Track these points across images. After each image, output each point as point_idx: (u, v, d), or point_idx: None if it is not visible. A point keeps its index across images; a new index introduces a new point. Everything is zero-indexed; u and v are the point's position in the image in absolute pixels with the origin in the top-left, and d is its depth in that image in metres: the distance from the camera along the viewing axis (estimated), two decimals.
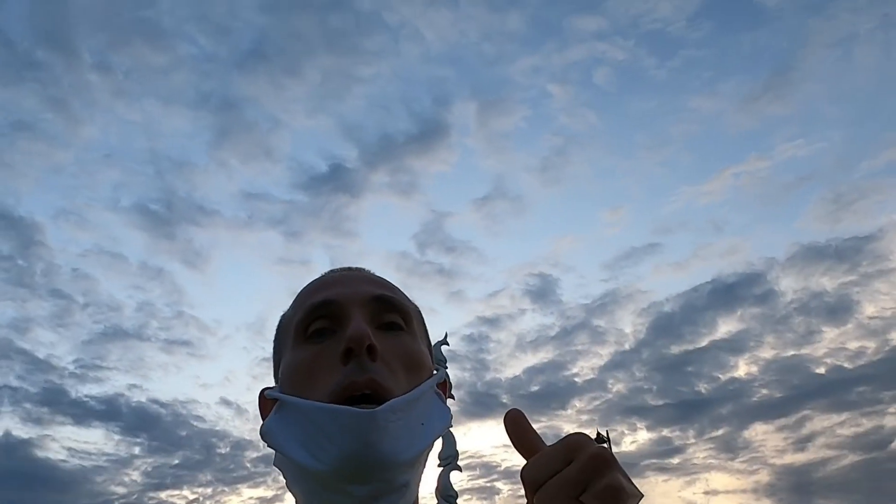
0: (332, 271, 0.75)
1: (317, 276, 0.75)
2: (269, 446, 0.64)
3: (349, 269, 0.75)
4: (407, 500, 0.63)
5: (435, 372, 0.71)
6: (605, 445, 0.53)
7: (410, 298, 0.76)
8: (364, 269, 0.76)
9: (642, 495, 0.50)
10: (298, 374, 0.65)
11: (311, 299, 0.68)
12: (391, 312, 0.69)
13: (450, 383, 0.76)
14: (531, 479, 0.49)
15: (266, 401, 0.69)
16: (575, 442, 0.49)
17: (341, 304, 0.66)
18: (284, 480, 0.66)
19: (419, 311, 0.77)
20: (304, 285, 0.74)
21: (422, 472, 0.67)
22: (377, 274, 0.76)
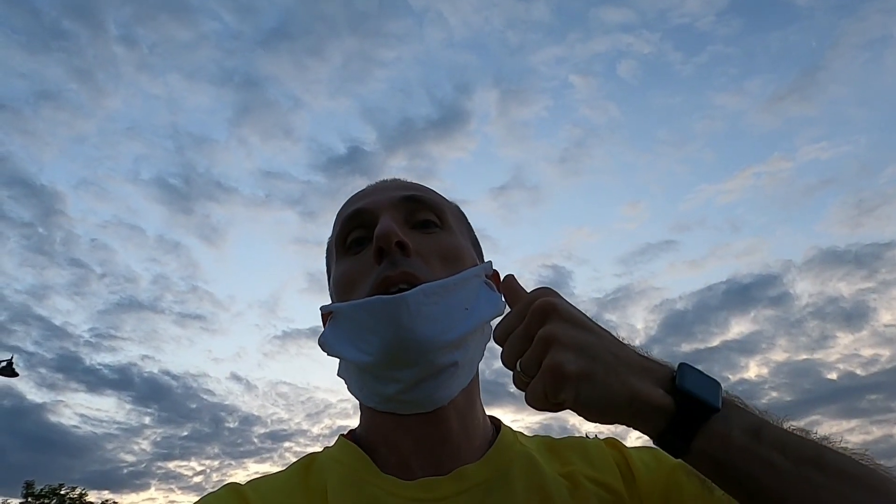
0: (368, 186, 0.77)
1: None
2: (328, 355, 0.68)
3: (383, 180, 0.77)
4: (458, 380, 0.64)
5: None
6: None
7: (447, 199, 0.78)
8: (397, 178, 0.77)
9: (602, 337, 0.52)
10: (342, 283, 0.68)
11: (345, 212, 0.72)
12: (424, 211, 0.70)
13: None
14: (496, 337, 0.55)
15: (324, 316, 0.72)
16: (530, 297, 0.54)
17: (372, 211, 0.69)
18: (347, 387, 0.70)
19: (458, 209, 0.78)
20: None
21: (479, 357, 0.68)
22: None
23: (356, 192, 0.76)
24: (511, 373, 0.54)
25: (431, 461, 0.64)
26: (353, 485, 0.62)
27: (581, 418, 0.50)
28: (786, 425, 0.52)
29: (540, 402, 0.49)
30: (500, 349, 0.54)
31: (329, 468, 0.66)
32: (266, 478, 0.67)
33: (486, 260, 0.76)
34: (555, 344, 0.49)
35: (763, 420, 0.51)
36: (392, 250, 0.63)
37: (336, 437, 0.73)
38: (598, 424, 0.51)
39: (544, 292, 0.54)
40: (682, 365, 0.52)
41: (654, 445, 0.67)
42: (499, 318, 0.66)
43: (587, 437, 0.73)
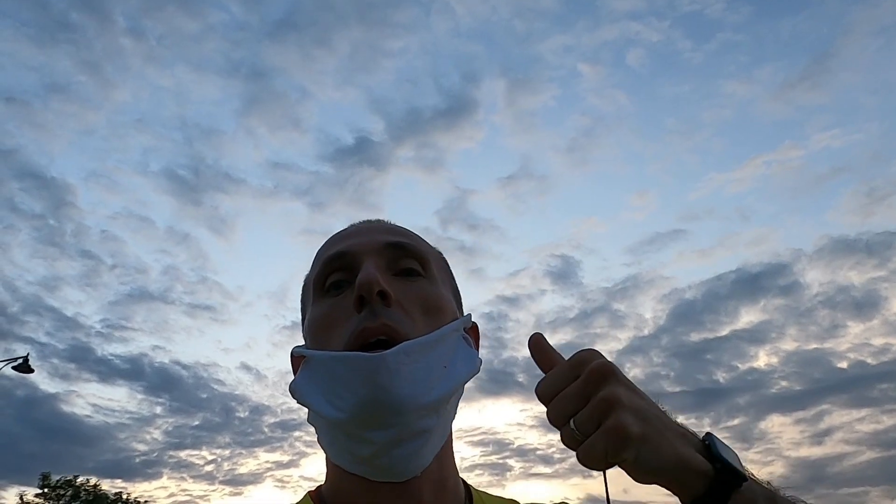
0: (351, 225, 0.76)
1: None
2: (298, 403, 0.64)
3: (368, 221, 0.76)
4: (433, 446, 0.63)
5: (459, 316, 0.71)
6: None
7: (431, 244, 0.76)
8: (382, 220, 0.76)
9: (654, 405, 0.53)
10: (318, 327, 0.66)
11: (327, 253, 0.70)
12: (407, 258, 0.69)
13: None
14: (540, 395, 0.53)
15: (296, 359, 0.70)
16: (580, 358, 0.53)
17: (354, 255, 0.67)
18: (317, 437, 0.67)
19: (441, 257, 0.77)
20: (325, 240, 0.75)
21: (451, 417, 0.66)
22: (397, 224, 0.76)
23: (338, 231, 0.75)
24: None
25: None
26: None
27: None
28: (783, 493, 0.56)
29: (598, 461, 0.49)
30: (541, 402, 0.54)
31: None
32: None
33: (465, 311, 0.75)
34: (619, 406, 0.49)
35: (774, 490, 0.55)
36: (373, 300, 0.61)
37: (303, 495, 0.72)
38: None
39: (594, 354, 0.54)
40: (710, 434, 0.55)
41: None
42: (476, 375, 0.67)
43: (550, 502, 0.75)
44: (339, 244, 0.70)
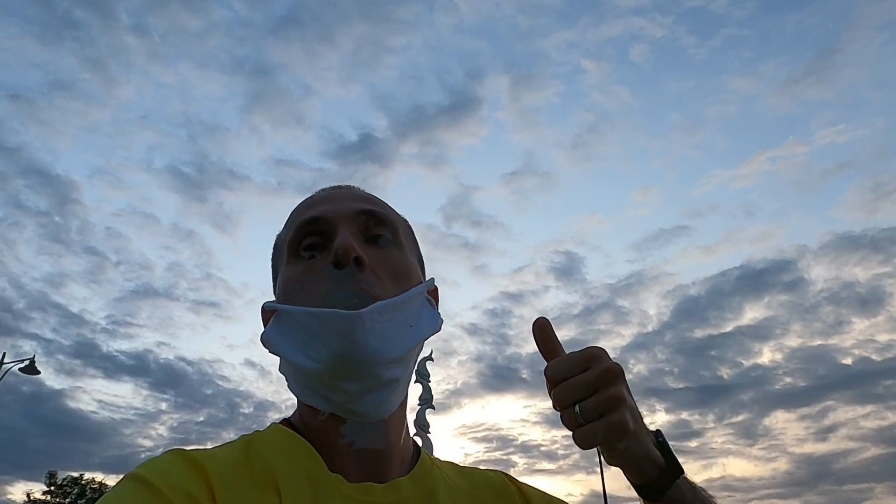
0: (322, 190, 0.79)
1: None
2: (270, 352, 0.70)
3: (338, 186, 0.80)
4: (397, 396, 0.69)
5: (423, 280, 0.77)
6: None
7: (398, 212, 0.81)
8: (353, 186, 0.80)
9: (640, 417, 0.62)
10: (292, 286, 0.70)
11: (302, 217, 0.73)
12: (378, 226, 0.73)
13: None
14: (551, 377, 0.60)
15: (267, 313, 0.74)
16: (593, 354, 0.60)
17: (329, 220, 0.71)
18: (287, 384, 0.72)
19: (407, 224, 0.82)
20: (297, 204, 0.79)
21: (411, 372, 0.72)
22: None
23: (313, 194, 0.78)
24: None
25: (367, 468, 0.68)
26: (308, 479, 0.64)
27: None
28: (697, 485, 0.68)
29: (594, 444, 0.58)
30: (549, 383, 0.60)
31: (272, 454, 0.66)
32: (212, 449, 0.66)
33: (427, 275, 0.80)
34: (623, 404, 0.58)
35: (693, 482, 0.67)
36: (349, 265, 0.66)
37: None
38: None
39: (606, 353, 0.61)
40: (659, 431, 0.65)
41: (545, 491, 0.80)
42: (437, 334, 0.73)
43: (484, 469, 0.82)
44: (313, 209, 0.73)
